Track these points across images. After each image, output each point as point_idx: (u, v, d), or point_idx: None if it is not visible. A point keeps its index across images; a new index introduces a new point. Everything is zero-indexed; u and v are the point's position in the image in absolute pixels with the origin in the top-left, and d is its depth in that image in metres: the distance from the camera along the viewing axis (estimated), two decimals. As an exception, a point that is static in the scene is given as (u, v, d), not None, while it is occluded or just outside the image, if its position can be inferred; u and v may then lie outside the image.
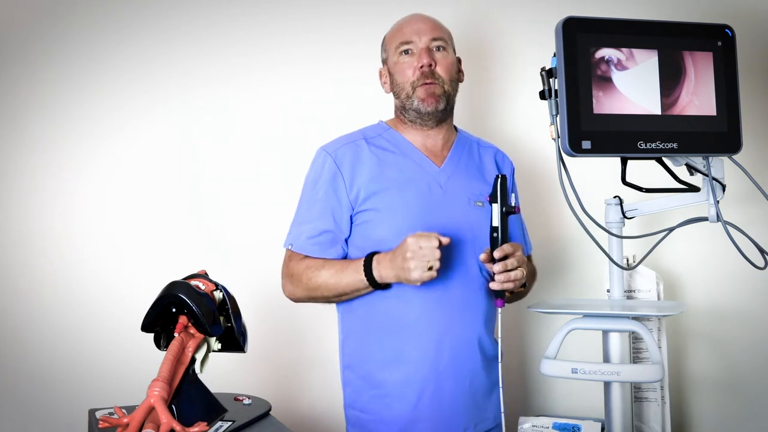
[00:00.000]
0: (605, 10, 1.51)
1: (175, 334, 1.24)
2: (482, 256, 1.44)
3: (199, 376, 1.29)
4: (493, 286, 1.43)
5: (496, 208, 1.43)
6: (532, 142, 1.99)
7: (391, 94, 1.63)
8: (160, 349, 1.27)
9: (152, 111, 1.97)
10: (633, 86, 1.37)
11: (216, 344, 1.31)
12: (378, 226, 1.52)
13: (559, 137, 1.34)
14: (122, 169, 1.96)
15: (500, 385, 1.46)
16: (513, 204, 1.43)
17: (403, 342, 1.51)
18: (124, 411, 1.19)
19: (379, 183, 1.54)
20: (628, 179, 1.45)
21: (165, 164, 1.98)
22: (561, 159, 1.37)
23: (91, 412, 1.33)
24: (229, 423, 1.26)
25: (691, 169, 1.48)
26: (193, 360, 1.25)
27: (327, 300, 1.55)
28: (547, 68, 1.36)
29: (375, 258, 1.47)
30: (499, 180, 1.42)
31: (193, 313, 1.22)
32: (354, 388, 1.57)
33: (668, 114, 1.38)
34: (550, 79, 1.35)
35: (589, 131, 1.33)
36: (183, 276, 1.32)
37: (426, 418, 1.51)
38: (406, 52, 1.57)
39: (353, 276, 1.48)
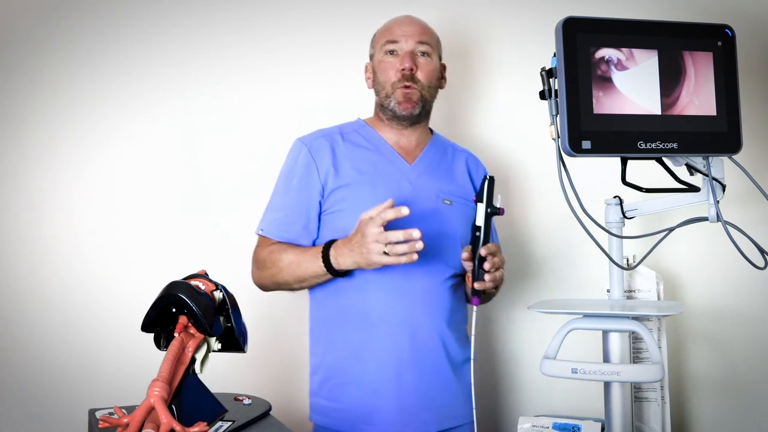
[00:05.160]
0: (605, 10, 1.51)
1: (175, 334, 1.23)
2: (464, 254, 1.47)
3: (199, 376, 1.28)
4: (478, 285, 1.45)
5: (481, 207, 1.44)
6: (531, 142, 1.99)
7: (373, 90, 1.68)
8: (160, 349, 1.27)
9: (153, 111, 1.97)
10: (633, 86, 1.37)
11: (216, 344, 1.31)
12: (345, 217, 1.54)
13: (559, 137, 1.34)
14: (122, 169, 1.96)
15: (472, 384, 1.48)
16: (498, 206, 1.43)
17: (366, 333, 1.54)
18: (124, 411, 1.19)
19: (350, 175, 1.58)
20: (628, 179, 1.45)
21: (165, 164, 1.98)
22: (561, 159, 1.37)
23: (91, 412, 1.33)
24: (229, 423, 1.26)
25: (691, 169, 1.48)
26: (193, 360, 1.25)
27: (290, 287, 1.58)
28: (547, 68, 1.36)
29: (333, 246, 1.48)
30: (486, 181, 1.44)
31: (193, 313, 1.22)
32: (320, 376, 1.60)
33: (668, 114, 1.38)
34: (550, 79, 1.35)
35: (589, 131, 1.33)
36: (183, 276, 1.32)
37: (387, 410, 1.53)
38: (392, 52, 1.62)
39: (312, 262, 1.50)
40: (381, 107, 1.65)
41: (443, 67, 1.70)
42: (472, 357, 1.49)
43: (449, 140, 1.76)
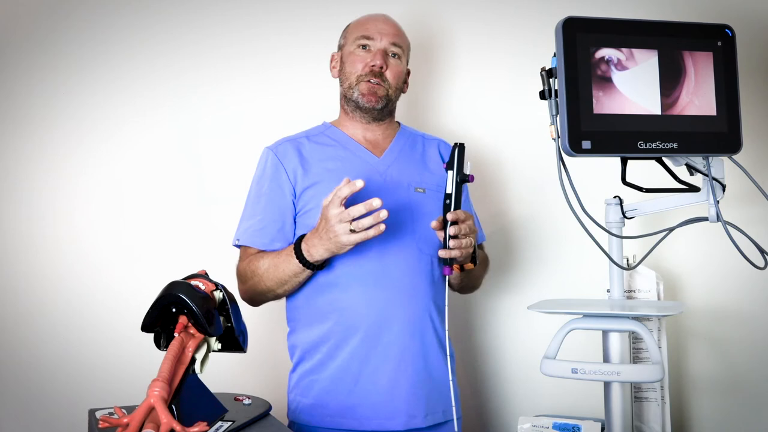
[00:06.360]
0: (605, 10, 1.51)
1: (175, 334, 1.23)
2: (433, 223, 1.46)
3: (199, 376, 1.29)
4: (442, 253, 1.44)
5: (450, 175, 1.44)
6: (531, 141, 1.99)
7: (338, 80, 1.70)
8: (160, 349, 1.27)
9: (154, 111, 1.97)
10: (633, 86, 1.37)
11: (216, 344, 1.31)
12: (318, 215, 1.51)
13: (559, 137, 1.34)
14: (123, 168, 1.96)
15: (450, 377, 1.47)
16: (468, 172, 1.43)
17: (343, 326, 1.53)
18: (124, 411, 1.19)
19: (318, 173, 1.59)
20: (628, 179, 1.45)
21: (165, 164, 1.98)
22: (561, 159, 1.37)
23: (91, 412, 1.33)
24: (229, 423, 1.26)
25: (691, 169, 1.48)
26: (193, 360, 1.25)
27: (275, 293, 1.56)
28: (547, 68, 1.36)
29: (303, 240, 1.48)
30: (456, 148, 1.44)
31: (193, 313, 1.22)
32: (298, 374, 1.60)
33: (668, 114, 1.38)
34: (550, 79, 1.35)
35: (589, 131, 1.33)
36: (183, 276, 1.32)
37: (365, 404, 1.52)
38: (364, 47, 1.64)
39: (288, 262, 1.49)
40: (344, 98, 1.67)
41: (408, 73, 1.73)
42: (447, 347, 1.48)
43: (419, 131, 1.77)
